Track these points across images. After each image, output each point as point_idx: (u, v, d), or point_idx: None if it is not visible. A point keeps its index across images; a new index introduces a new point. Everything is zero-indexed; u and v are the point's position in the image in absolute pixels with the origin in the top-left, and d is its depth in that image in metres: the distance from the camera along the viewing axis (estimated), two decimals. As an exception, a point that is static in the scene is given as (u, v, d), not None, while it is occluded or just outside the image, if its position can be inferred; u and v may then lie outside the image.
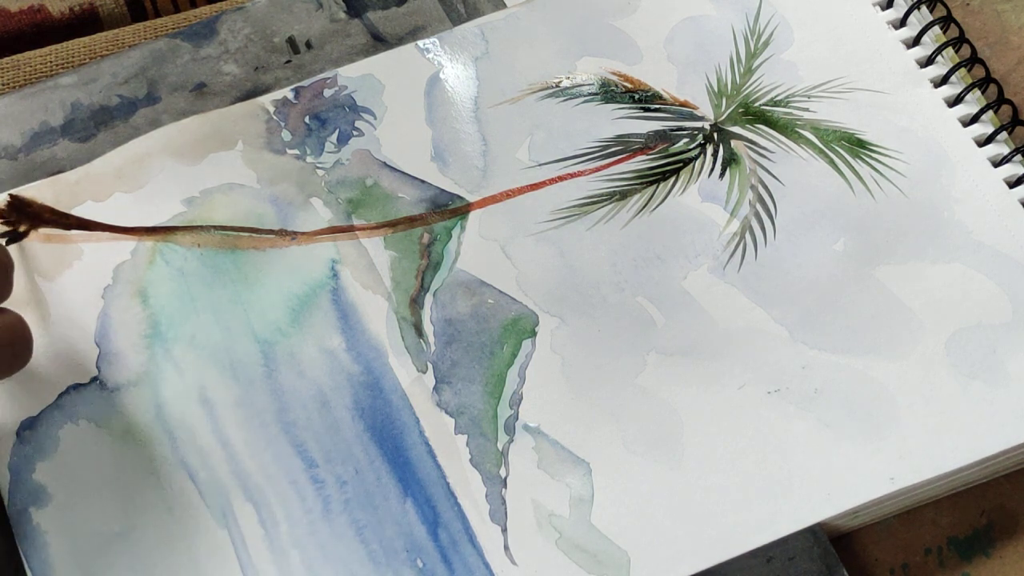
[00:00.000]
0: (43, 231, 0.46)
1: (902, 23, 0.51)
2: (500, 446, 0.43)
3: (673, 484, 0.42)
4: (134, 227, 0.46)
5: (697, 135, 0.48)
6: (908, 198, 0.47)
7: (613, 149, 0.48)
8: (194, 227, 0.47)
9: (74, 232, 0.46)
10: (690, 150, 0.48)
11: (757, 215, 0.47)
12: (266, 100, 0.49)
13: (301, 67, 0.51)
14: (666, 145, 0.48)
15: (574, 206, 0.47)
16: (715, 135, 0.48)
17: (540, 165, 0.48)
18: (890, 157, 0.48)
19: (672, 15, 0.51)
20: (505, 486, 0.42)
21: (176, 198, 0.47)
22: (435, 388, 0.44)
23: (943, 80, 0.49)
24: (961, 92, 0.49)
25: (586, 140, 0.48)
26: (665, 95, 0.49)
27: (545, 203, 0.47)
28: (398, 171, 0.48)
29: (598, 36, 0.51)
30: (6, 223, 0.46)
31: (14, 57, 0.52)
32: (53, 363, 0.44)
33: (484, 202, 0.47)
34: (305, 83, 0.50)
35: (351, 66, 0.50)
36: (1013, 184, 0.47)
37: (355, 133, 0.48)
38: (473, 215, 0.47)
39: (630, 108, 0.49)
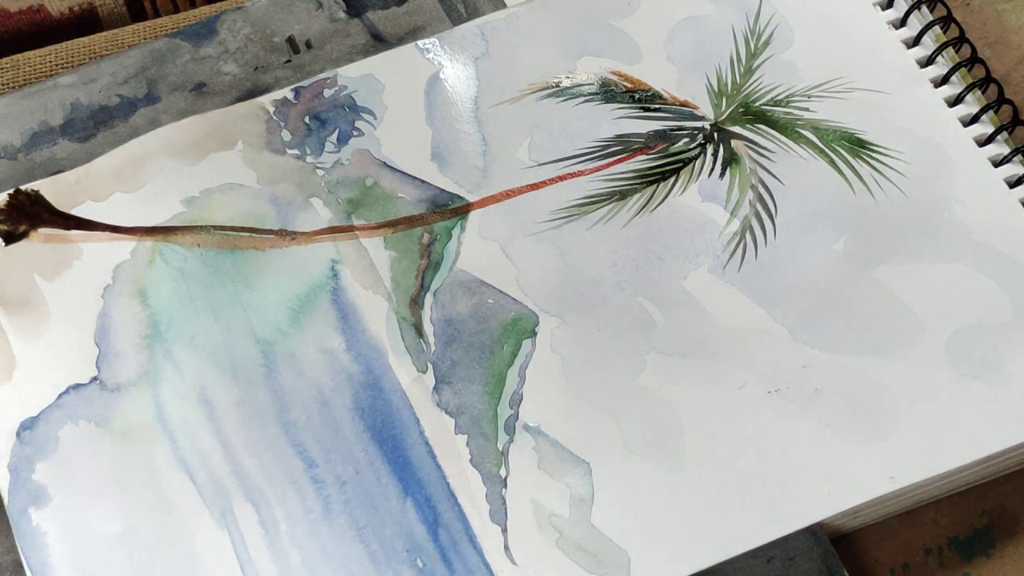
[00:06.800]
0: (43, 231, 0.46)
1: (902, 23, 0.51)
2: (500, 446, 0.43)
3: (673, 484, 0.42)
4: (134, 227, 0.46)
5: (697, 135, 0.48)
6: (908, 198, 0.47)
7: (613, 149, 0.48)
8: (194, 227, 0.46)
9: (74, 232, 0.46)
10: (690, 150, 0.48)
11: (757, 215, 0.47)
12: (266, 100, 0.49)
13: (301, 67, 0.51)
14: (666, 145, 0.48)
15: (574, 206, 0.47)
16: (715, 135, 0.48)
17: (540, 165, 0.48)
18: (890, 157, 0.48)
19: (672, 15, 0.51)
20: (505, 486, 0.42)
21: (176, 198, 0.47)
22: (435, 388, 0.44)
23: (943, 80, 0.49)
24: (961, 92, 0.49)
25: (586, 140, 0.48)
26: (665, 95, 0.49)
27: (545, 203, 0.47)
28: (398, 171, 0.48)
29: (598, 36, 0.51)
30: (6, 223, 0.46)
31: (14, 57, 0.52)
32: (53, 363, 0.44)
33: (484, 202, 0.47)
34: (305, 83, 0.50)
35: (351, 66, 0.50)
36: (1013, 184, 0.47)
37: (355, 133, 0.48)
38: (473, 215, 0.47)
39: (630, 108, 0.49)
